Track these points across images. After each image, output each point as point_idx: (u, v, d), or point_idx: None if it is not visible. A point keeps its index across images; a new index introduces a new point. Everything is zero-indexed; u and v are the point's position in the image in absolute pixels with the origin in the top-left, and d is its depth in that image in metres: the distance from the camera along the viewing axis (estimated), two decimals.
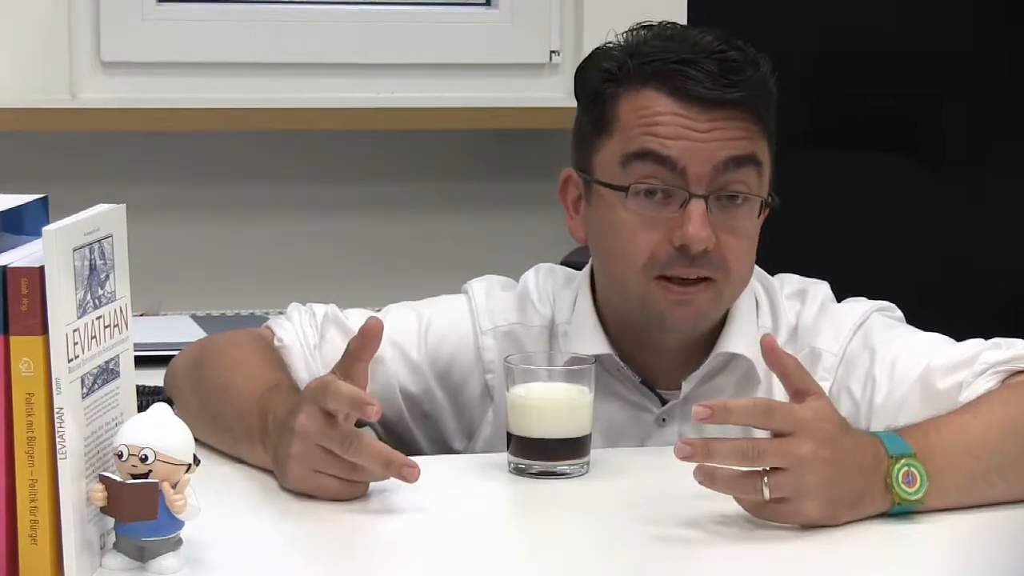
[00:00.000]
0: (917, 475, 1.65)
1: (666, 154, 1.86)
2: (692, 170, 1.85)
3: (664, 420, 1.97)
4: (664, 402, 1.98)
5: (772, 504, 1.63)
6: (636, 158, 1.87)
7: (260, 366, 1.91)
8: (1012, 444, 1.72)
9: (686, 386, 1.95)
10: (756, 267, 2.02)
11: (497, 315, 2.03)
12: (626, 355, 1.97)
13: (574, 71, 2.00)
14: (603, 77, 1.92)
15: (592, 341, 1.96)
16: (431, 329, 2.02)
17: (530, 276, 2.07)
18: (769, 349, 1.70)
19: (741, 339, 1.94)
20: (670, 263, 1.86)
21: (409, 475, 1.66)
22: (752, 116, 1.88)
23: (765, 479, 1.62)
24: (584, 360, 1.87)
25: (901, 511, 1.66)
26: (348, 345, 1.75)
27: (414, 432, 2.01)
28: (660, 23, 1.94)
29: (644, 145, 1.87)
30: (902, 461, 1.65)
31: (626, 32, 1.94)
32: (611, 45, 1.94)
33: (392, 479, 1.69)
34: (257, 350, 1.96)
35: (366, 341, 1.74)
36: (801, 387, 1.67)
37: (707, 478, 1.64)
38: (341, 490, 1.70)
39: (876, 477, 1.65)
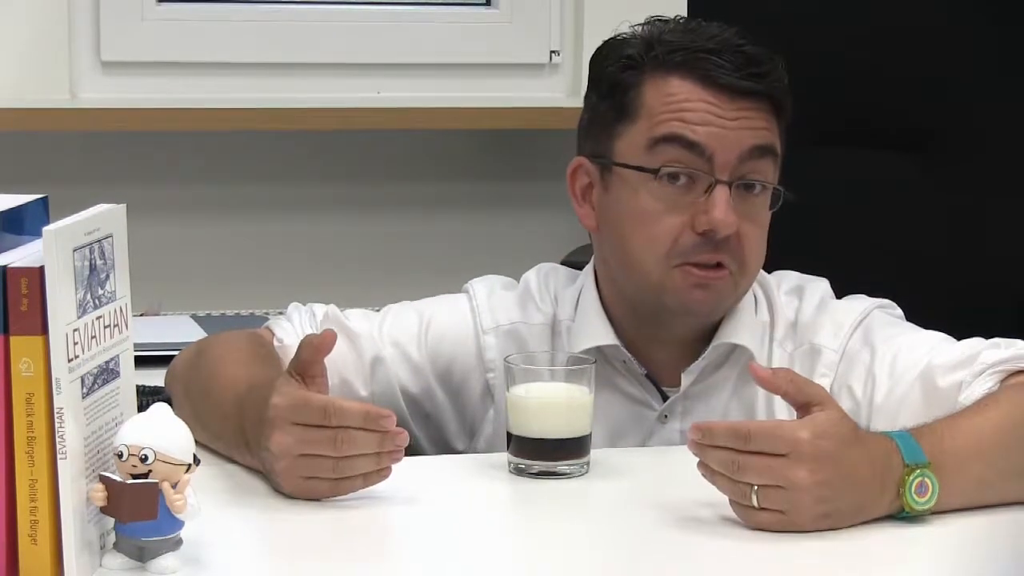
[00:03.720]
0: (930, 485, 1.64)
1: (695, 139, 1.87)
2: (719, 156, 1.87)
3: (666, 417, 1.97)
4: (666, 398, 1.98)
5: (764, 514, 1.62)
6: (664, 142, 1.88)
7: (240, 367, 1.88)
8: (1020, 447, 1.71)
9: (686, 379, 1.95)
10: None
11: (499, 314, 2.02)
12: (630, 349, 1.97)
13: (586, 64, 2.01)
14: (624, 65, 1.93)
15: (598, 332, 1.96)
16: (432, 328, 2.02)
17: (531, 275, 2.07)
18: (761, 379, 1.69)
19: (742, 330, 1.94)
20: (694, 250, 1.87)
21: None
22: (773, 109, 1.91)
23: (754, 487, 1.62)
24: (584, 360, 1.87)
25: (905, 516, 1.66)
26: (299, 352, 1.74)
27: (415, 432, 2.01)
28: (674, 17, 1.96)
29: (673, 130, 1.88)
30: (917, 471, 1.64)
31: (640, 25, 1.95)
32: (627, 35, 1.95)
33: (387, 482, 1.69)
34: (240, 350, 1.94)
35: (318, 353, 1.73)
36: (803, 400, 1.67)
37: (707, 471, 1.65)
38: (334, 489, 1.69)
39: (886, 484, 1.64)
